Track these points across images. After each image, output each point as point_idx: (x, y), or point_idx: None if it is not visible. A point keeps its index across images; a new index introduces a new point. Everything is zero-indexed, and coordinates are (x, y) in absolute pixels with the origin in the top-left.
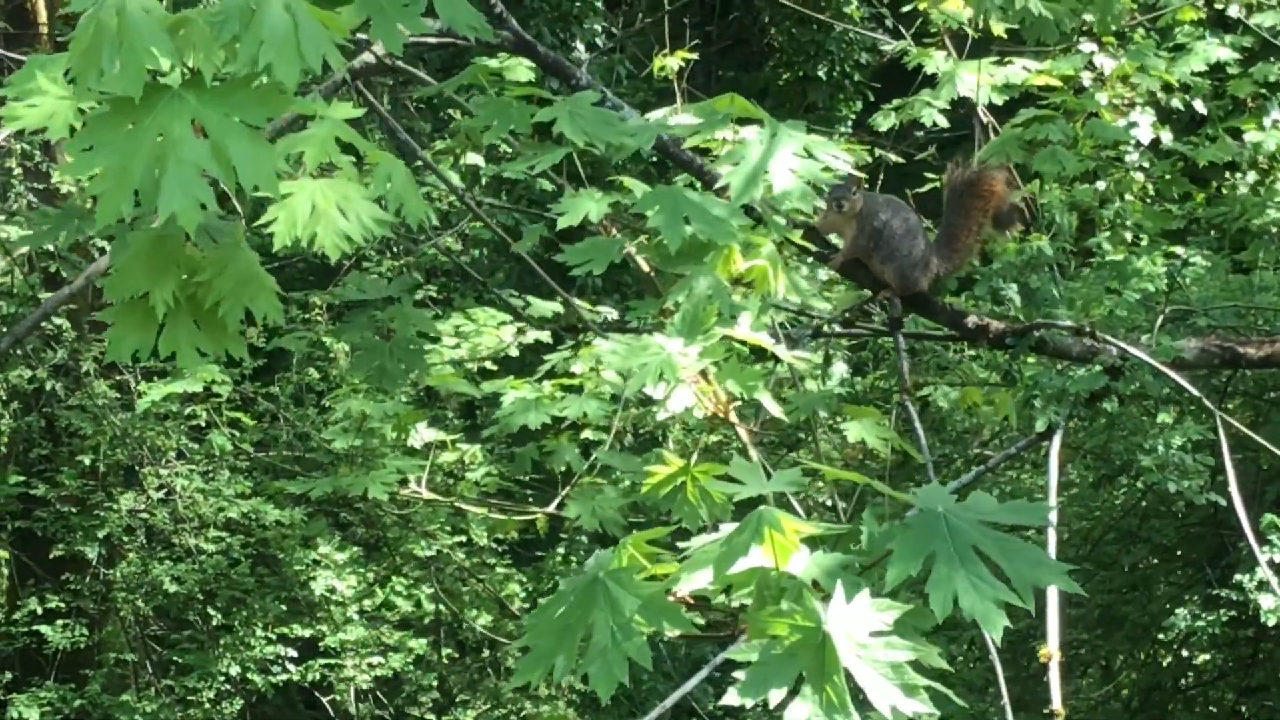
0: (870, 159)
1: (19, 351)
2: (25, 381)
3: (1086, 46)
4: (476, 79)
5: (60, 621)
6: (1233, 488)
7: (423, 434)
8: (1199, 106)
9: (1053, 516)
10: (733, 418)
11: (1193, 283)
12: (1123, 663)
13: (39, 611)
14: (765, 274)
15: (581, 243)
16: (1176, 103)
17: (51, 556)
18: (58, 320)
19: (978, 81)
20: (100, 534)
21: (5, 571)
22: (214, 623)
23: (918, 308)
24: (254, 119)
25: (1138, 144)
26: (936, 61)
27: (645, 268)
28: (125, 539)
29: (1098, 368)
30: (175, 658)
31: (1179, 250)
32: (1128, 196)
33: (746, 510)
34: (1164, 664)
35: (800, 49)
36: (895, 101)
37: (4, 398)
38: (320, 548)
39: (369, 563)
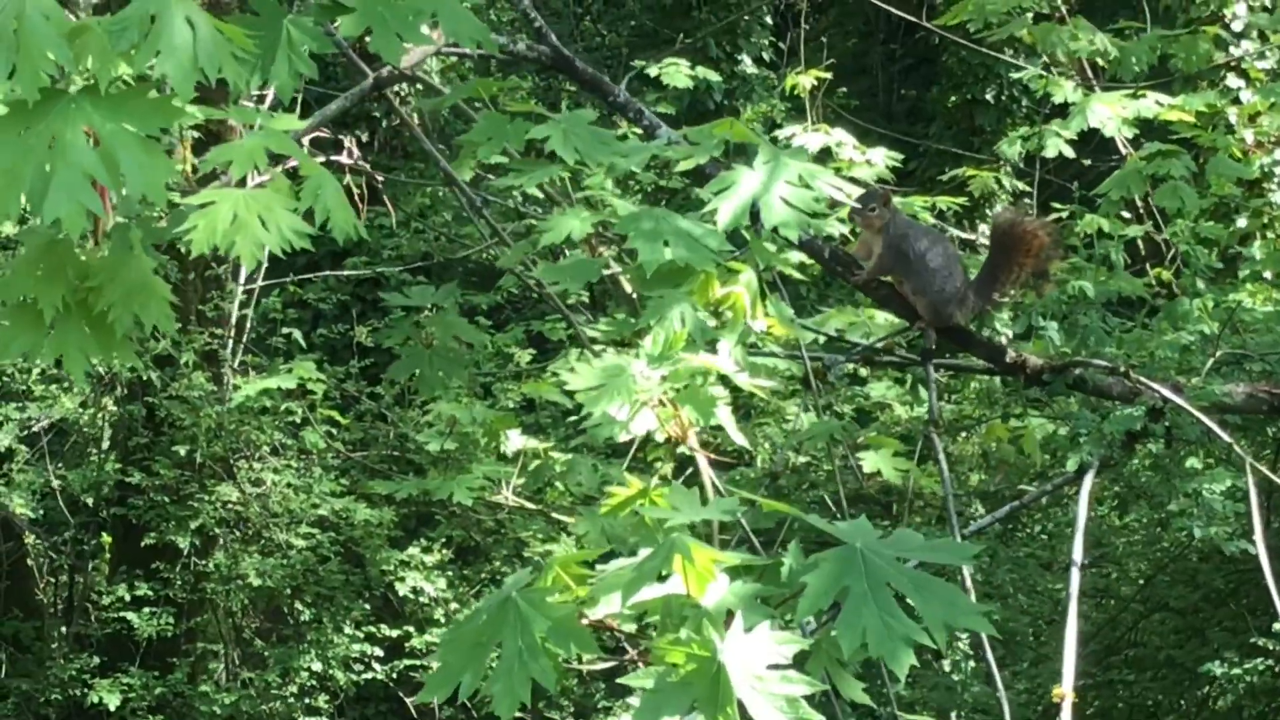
0: (998, 186)
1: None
2: (127, 370)
3: (1234, 82)
4: (477, 93)
5: (148, 610)
6: (1258, 535)
7: (515, 440)
8: None
9: (1078, 555)
10: (692, 442)
11: (1254, 326)
12: (1168, 707)
13: (127, 599)
14: (740, 301)
15: (562, 261)
16: None
17: (144, 545)
18: None
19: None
20: (193, 525)
21: (107, 556)
22: (303, 618)
23: (954, 340)
24: (147, 128)
25: None
26: (1066, 91)
27: (627, 289)
28: (218, 531)
29: (1139, 409)
30: (262, 651)
31: None
32: (1270, 235)
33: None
34: (1214, 709)
35: (969, 71)
36: (1022, 130)
37: (106, 387)
38: (409, 549)
39: (462, 567)
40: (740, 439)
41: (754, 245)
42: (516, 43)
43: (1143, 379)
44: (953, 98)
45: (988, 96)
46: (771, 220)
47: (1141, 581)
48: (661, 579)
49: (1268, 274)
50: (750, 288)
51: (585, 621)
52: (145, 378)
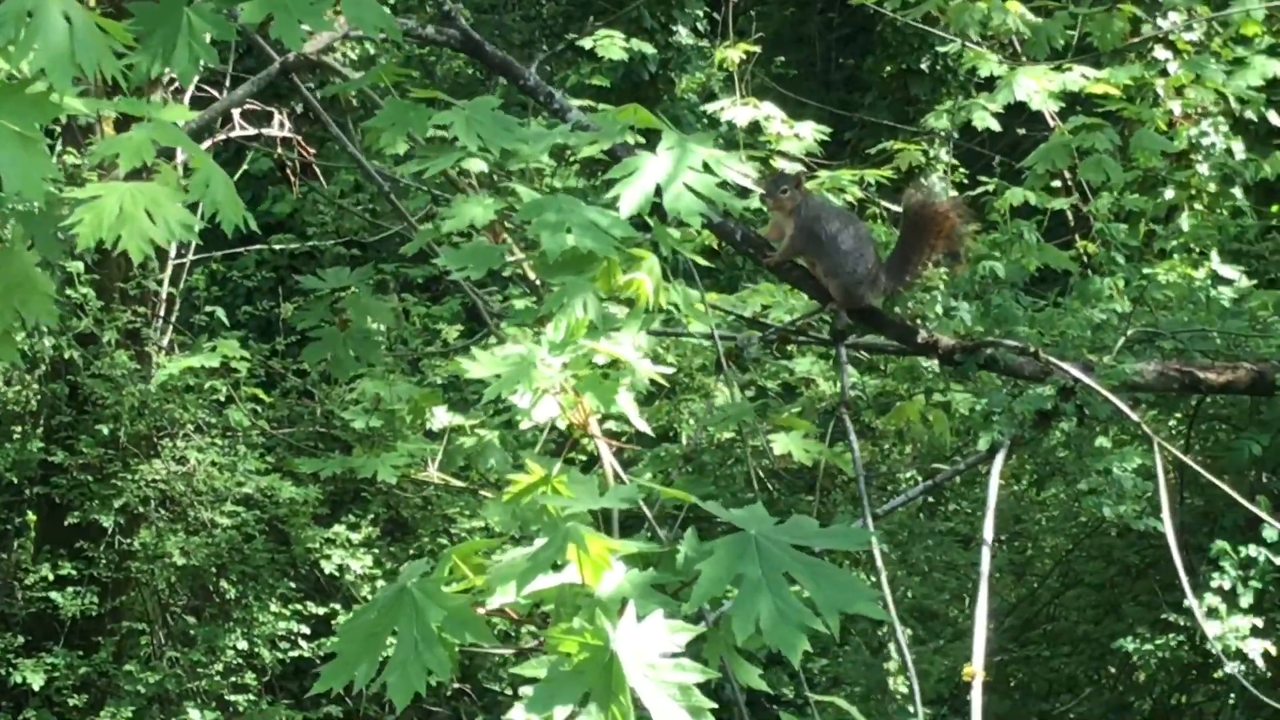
0: (925, 160)
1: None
2: (48, 349)
3: (1162, 54)
4: (380, 79)
5: (72, 589)
6: (1165, 513)
7: (440, 417)
8: (1274, 118)
9: (988, 534)
10: (594, 430)
11: (1166, 305)
12: (1085, 681)
13: (51, 578)
14: (643, 287)
15: (463, 247)
16: (1252, 114)
17: (68, 524)
18: (83, 289)
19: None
20: (117, 503)
21: (32, 535)
22: (228, 596)
23: (867, 320)
24: (24, 125)
25: (1207, 154)
26: (992, 64)
27: (532, 276)
28: (142, 509)
29: (1050, 388)
30: (188, 630)
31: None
32: (1198, 207)
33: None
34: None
35: (904, 41)
36: (949, 103)
37: (29, 365)
38: (335, 527)
39: (391, 544)
40: (643, 425)
41: (657, 232)
42: (425, 26)
43: (1052, 359)
44: (887, 68)
45: (922, 66)
46: (674, 207)
47: (1058, 557)
48: (558, 568)
49: (1194, 246)
50: (653, 274)
51: (483, 611)
52: (68, 356)
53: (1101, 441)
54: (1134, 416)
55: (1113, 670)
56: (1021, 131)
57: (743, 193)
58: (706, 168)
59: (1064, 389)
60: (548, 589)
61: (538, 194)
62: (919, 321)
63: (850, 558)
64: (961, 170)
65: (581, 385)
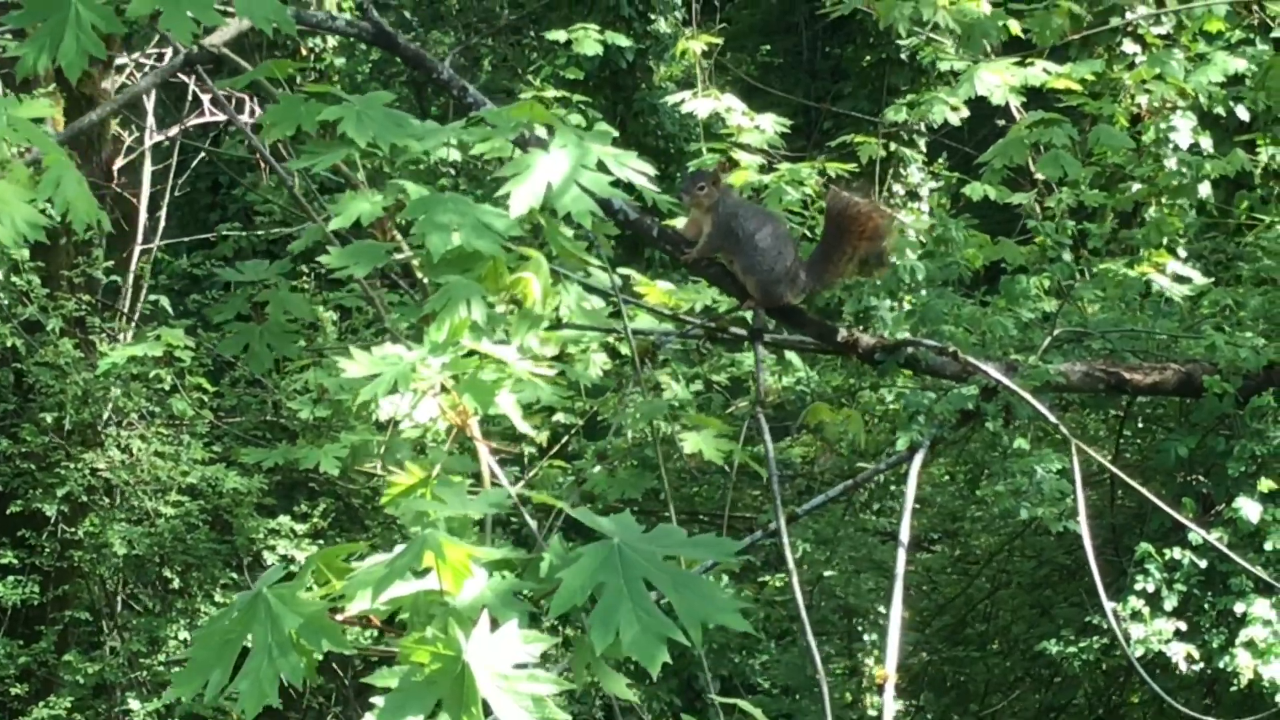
0: (886, 153)
1: None
2: None
3: (1130, 47)
4: (273, 73)
5: (13, 578)
6: (1081, 515)
7: (385, 407)
8: (1242, 113)
9: (904, 537)
10: (474, 432)
11: (1094, 303)
12: (1016, 682)
13: None
14: (530, 287)
15: (348, 245)
16: (1221, 109)
17: (9, 512)
18: (29, 276)
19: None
20: (60, 492)
21: None
22: (171, 586)
23: (786, 318)
24: None
25: (1175, 148)
26: (951, 58)
27: (420, 274)
28: (86, 498)
29: (971, 388)
30: (130, 619)
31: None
32: (1164, 202)
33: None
34: (1059, 683)
35: (885, 31)
36: (909, 96)
37: None
38: (280, 517)
39: (340, 535)
40: (525, 427)
41: (549, 231)
42: (335, 19)
43: (971, 359)
44: (867, 57)
45: (902, 56)
46: (565, 206)
47: (987, 557)
48: (419, 574)
49: (1156, 243)
50: (541, 273)
51: (341, 617)
52: (11, 344)
53: (1020, 442)
54: (1051, 418)
55: (1045, 671)
56: (1001, 123)
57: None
58: (602, 166)
59: (986, 389)
60: (404, 596)
61: (425, 191)
62: (847, 319)
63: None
64: (940, 163)
65: (460, 386)
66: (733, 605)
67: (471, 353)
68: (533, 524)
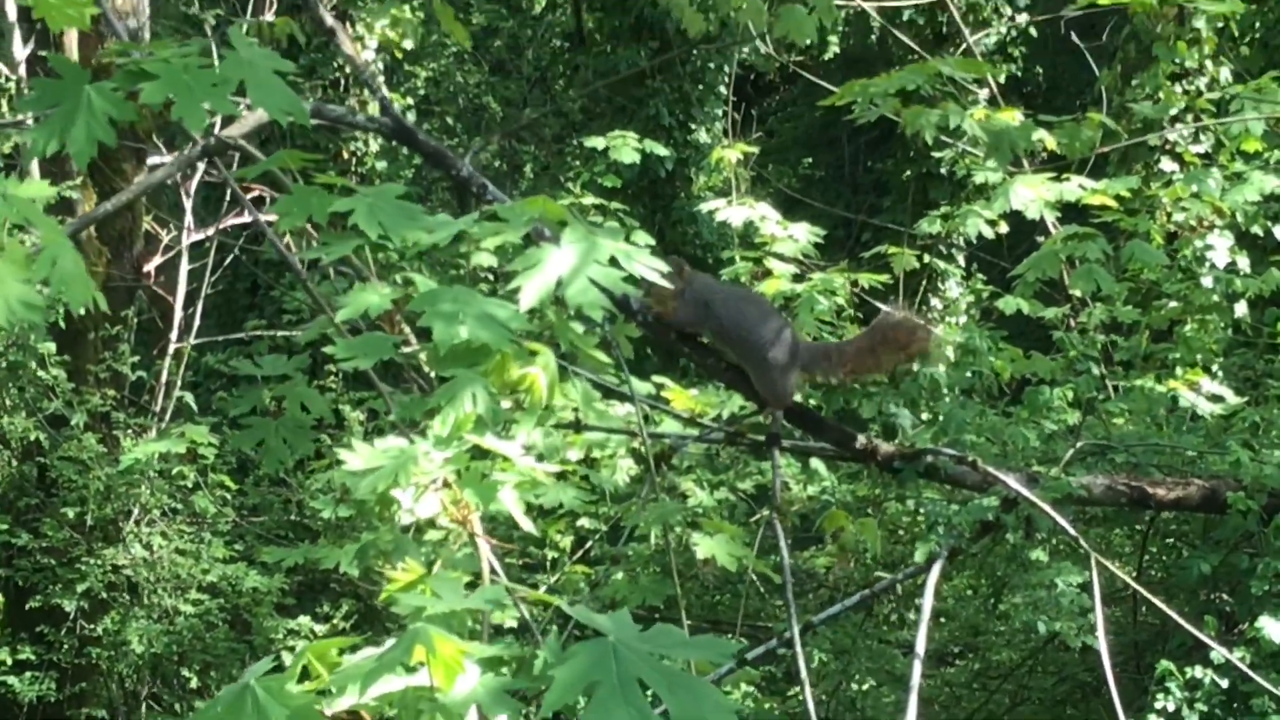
0: (919, 264)
1: (20, 399)
2: (18, 430)
3: (1168, 166)
4: (285, 164)
5: (30, 674)
6: (1100, 631)
7: (424, 506)
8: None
9: (920, 649)
10: (475, 527)
11: (1119, 417)
12: None
13: (9, 662)
14: (537, 383)
15: (355, 337)
16: (1259, 229)
17: (29, 607)
18: (55, 370)
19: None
20: (80, 588)
21: None
22: (190, 685)
23: (804, 424)
24: None
25: (1212, 266)
26: (987, 173)
27: (426, 367)
28: (105, 595)
29: (991, 499)
30: (149, 718)
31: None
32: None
33: None
34: None
35: (926, 144)
36: (943, 209)
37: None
38: (300, 617)
39: (360, 635)
40: (528, 525)
41: (558, 326)
42: (355, 114)
43: (992, 469)
44: (907, 171)
45: (942, 170)
46: (575, 300)
47: (1007, 671)
48: (410, 669)
49: (1193, 360)
50: (549, 369)
51: (329, 712)
52: (35, 438)
53: (1039, 555)
54: (1072, 531)
55: None
56: (1040, 238)
57: None
58: (614, 262)
59: (1006, 500)
60: (393, 692)
61: (434, 283)
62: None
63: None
64: (977, 277)
65: (462, 482)
66: (729, 708)
67: (475, 448)
68: (530, 621)
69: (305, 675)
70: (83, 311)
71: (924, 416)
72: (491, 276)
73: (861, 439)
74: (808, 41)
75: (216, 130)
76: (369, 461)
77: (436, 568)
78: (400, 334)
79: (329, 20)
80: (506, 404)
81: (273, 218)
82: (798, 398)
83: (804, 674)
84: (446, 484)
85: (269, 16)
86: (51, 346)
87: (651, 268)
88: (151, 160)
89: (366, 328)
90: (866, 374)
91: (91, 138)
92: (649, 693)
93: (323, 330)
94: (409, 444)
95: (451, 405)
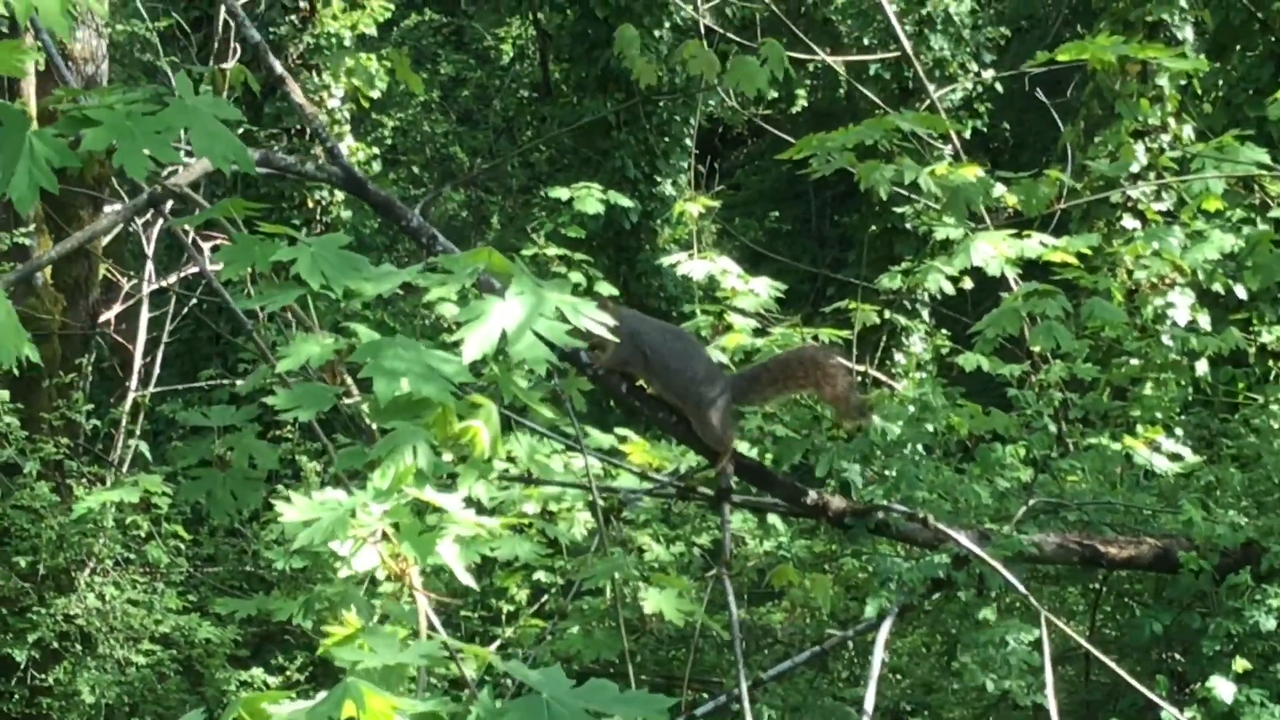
0: (880, 319)
1: None
2: None
3: (1130, 223)
4: (228, 212)
5: None
6: (1049, 691)
7: (362, 559)
8: (1240, 291)
9: (869, 705)
10: (414, 580)
11: (1072, 474)
12: None
13: None
14: (479, 436)
15: (293, 388)
16: (1219, 286)
17: None
18: (8, 419)
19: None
20: (31, 637)
21: None
22: None
23: (754, 479)
24: None
25: (1173, 324)
26: (949, 229)
27: (367, 419)
28: (57, 645)
29: (943, 556)
30: None
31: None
32: (1163, 376)
33: None
34: None
35: (891, 199)
36: (904, 264)
37: None
38: (253, 669)
39: (317, 688)
40: (467, 578)
41: (501, 378)
42: (304, 163)
43: (943, 526)
44: (873, 226)
45: (907, 225)
46: (520, 355)
47: None
48: None
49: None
50: (491, 422)
51: None
52: None
53: (988, 613)
54: (1022, 589)
55: None
56: (1004, 294)
57: None
58: (560, 315)
59: (957, 558)
60: None
61: (375, 334)
62: (831, 486)
63: None
64: (940, 334)
65: (400, 535)
66: None
67: (417, 500)
68: (468, 675)
69: None
70: (35, 360)
71: (881, 471)
72: (455, 327)
73: (812, 494)
74: (772, 94)
75: (173, 178)
76: (306, 514)
77: (374, 620)
78: (343, 384)
79: (278, 69)
80: (448, 457)
81: (219, 266)
82: (744, 446)
83: None
84: (385, 536)
85: (229, 64)
86: (4, 394)
87: (598, 321)
88: (107, 209)
89: (315, 378)
90: (773, 401)
91: (33, 184)
92: None
93: (264, 380)
94: (349, 496)
95: (392, 458)
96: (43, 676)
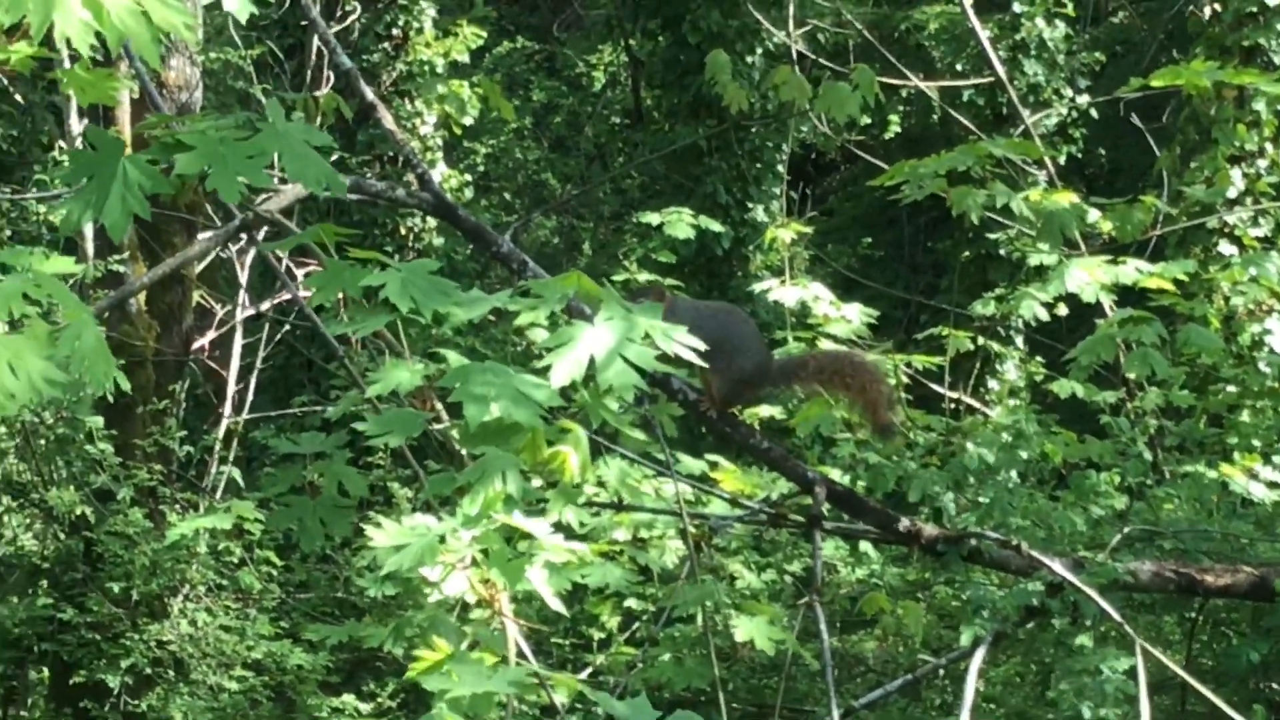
0: (974, 346)
1: (67, 473)
2: (65, 504)
3: (1226, 249)
4: (319, 238)
5: None
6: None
7: (452, 584)
8: None
9: None
10: (504, 607)
11: (1168, 502)
12: None
13: None
14: (568, 461)
15: (384, 414)
16: None
17: (73, 683)
18: (102, 444)
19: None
20: (124, 663)
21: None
22: None
23: (846, 506)
24: None
25: (1270, 350)
26: (1042, 255)
27: (458, 445)
28: (150, 670)
29: (1036, 583)
30: None
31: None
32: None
33: None
34: None
35: (985, 225)
36: (997, 291)
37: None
38: (344, 696)
39: (408, 714)
40: (557, 605)
41: (590, 403)
42: (396, 190)
43: (1036, 554)
44: (966, 252)
45: (1001, 251)
46: (609, 380)
47: None
48: None
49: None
50: (580, 448)
51: None
52: (82, 512)
53: (1084, 640)
54: (1117, 617)
55: None
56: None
57: None
58: (649, 339)
59: (1052, 585)
60: None
61: (465, 360)
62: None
63: None
64: (1034, 361)
65: (490, 561)
66: None
67: (506, 526)
68: (558, 703)
69: None
70: (125, 388)
71: (974, 498)
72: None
73: (905, 521)
74: (865, 120)
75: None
76: (397, 539)
77: (464, 647)
78: (433, 410)
79: (370, 96)
80: (538, 482)
81: (310, 292)
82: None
83: None
84: (475, 562)
85: (322, 92)
86: (99, 421)
87: (689, 347)
88: (200, 235)
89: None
90: (821, 393)
91: (126, 210)
92: None
93: (355, 406)
94: (439, 522)
95: (481, 483)
96: (136, 702)
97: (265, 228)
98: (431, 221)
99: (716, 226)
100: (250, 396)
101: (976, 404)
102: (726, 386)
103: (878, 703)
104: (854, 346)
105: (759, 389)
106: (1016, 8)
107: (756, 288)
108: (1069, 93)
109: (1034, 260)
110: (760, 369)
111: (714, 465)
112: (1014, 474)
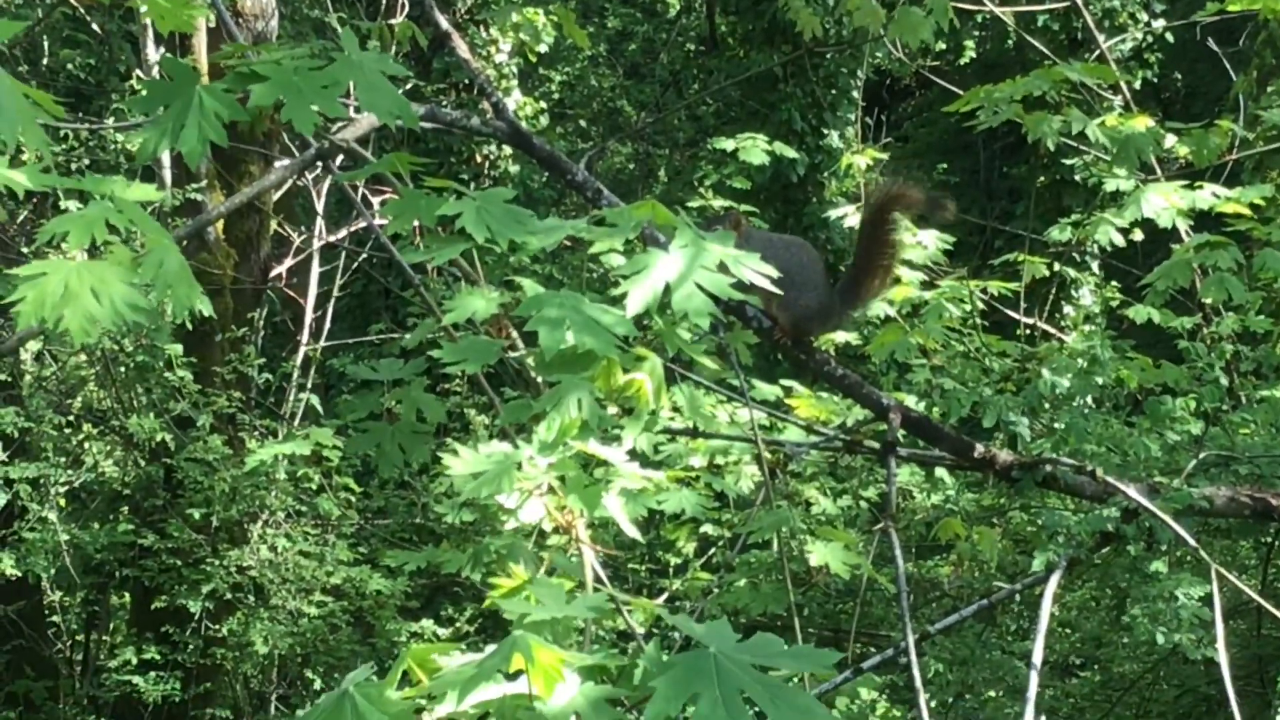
0: (1049, 272)
1: (147, 400)
2: (145, 431)
3: None
4: (393, 167)
5: (154, 674)
6: (1220, 645)
7: (529, 511)
8: None
9: (1037, 659)
10: (581, 533)
11: (1246, 425)
12: None
13: (134, 662)
14: (643, 389)
15: (460, 342)
16: None
17: (154, 608)
18: (182, 372)
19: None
20: (205, 589)
21: (126, 617)
22: (314, 686)
23: (921, 432)
24: None
25: None
26: (1119, 180)
27: (533, 373)
28: (230, 596)
29: (1111, 509)
30: (273, 719)
31: None
32: None
33: None
34: None
35: (1059, 151)
36: (1073, 216)
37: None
38: (422, 620)
39: (486, 640)
40: (632, 531)
41: (665, 332)
42: (470, 118)
43: (1111, 480)
44: (1041, 178)
45: (1076, 177)
46: (682, 307)
47: (1131, 683)
48: (510, 677)
49: None
50: (655, 375)
51: (429, 718)
52: (162, 439)
53: (1158, 565)
54: (1192, 542)
55: None
56: (1175, 246)
57: None
58: (723, 267)
59: (1127, 511)
60: (492, 700)
61: (541, 288)
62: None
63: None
64: (1110, 286)
65: (566, 488)
66: (830, 719)
67: (581, 453)
68: (635, 628)
69: (406, 680)
70: (207, 313)
71: (1049, 424)
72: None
73: (980, 447)
74: (940, 46)
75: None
76: (472, 467)
77: (541, 572)
78: (509, 338)
79: (445, 24)
80: (612, 409)
81: (386, 221)
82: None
83: (918, 684)
84: (551, 489)
85: (397, 20)
86: (179, 348)
87: (762, 274)
88: (276, 164)
89: (481, 331)
90: (879, 285)
91: (203, 138)
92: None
93: (430, 333)
94: (515, 449)
95: (556, 410)
96: (216, 627)
97: (341, 156)
98: (507, 149)
99: (791, 153)
100: (328, 324)
101: (1052, 330)
102: (790, 320)
103: (953, 628)
104: (931, 273)
105: (824, 324)
106: None
107: (832, 214)
108: (1144, 17)
109: (1110, 185)
110: (825, 306)
111: (789, 392)
112: (1089, 400)
